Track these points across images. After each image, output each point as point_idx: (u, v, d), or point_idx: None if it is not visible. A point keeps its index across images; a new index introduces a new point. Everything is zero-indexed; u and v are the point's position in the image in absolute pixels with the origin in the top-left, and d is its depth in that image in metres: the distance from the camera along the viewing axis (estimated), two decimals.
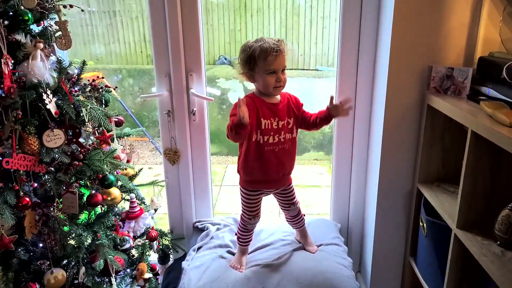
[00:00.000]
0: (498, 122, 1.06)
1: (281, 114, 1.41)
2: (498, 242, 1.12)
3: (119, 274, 1.60)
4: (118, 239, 1.52)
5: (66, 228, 1.39)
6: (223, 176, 3.83)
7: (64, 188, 1.37)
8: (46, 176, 1.35)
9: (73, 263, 1.48)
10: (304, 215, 1.66)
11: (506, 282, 0.98)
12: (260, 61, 1.33)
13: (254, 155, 1.41)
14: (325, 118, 1.43)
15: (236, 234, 1.60)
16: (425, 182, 1.54)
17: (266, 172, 1.44)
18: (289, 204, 1.57)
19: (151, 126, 4.41)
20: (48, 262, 1.38)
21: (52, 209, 1.34)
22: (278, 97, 1.43)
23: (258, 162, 1.42)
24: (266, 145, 1.39)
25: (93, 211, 1.56)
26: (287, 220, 1.67)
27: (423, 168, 1.53)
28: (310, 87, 4.24)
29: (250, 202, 1.52)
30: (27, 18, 1.26)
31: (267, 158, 1.41)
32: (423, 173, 1.54)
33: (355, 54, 1.66)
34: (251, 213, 1.53)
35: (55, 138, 1.32)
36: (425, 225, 1.45)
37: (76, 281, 1.46)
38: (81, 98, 1.39)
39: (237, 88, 4.29)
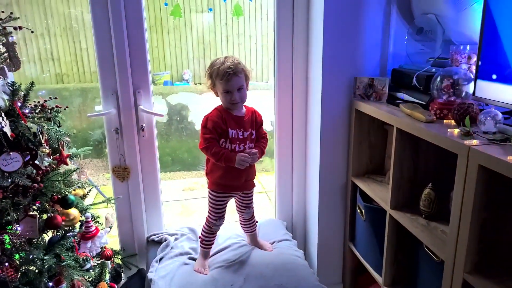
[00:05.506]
0: (416, 120, 1.35)
1: (246, 125, 1.56)
2: (423, 216, 1.41)
3: None
4: (80, 259, 1.49)
5: (23, 254, 1.34)
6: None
7: (23, 212, 1.33)
8: (3, 202, 1.29)
9: None
10: (257, 222, 1.81)
11: (434, 243, 1.26)
12: (217, 81, 1.49)
13: None
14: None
15: (199, 237, 1.68)
16: (357, 175, 1.81)
17: (234, 178, 1.57)
18: (245, 207, 1.72)
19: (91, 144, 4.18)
20: None
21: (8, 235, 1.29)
22: (244, 110, 1.58)
23: (226, 168, 1.54)
24: (233, 153, 1.52)
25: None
26: (240, 223, 1.80)
27: (355, 164, 1.80)
28: None
29: (218, 204, 1.63)
30: None
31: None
32: (355, 168, 1.81)
33: (290, 70, 1.89)
34: (217, 214, 1.64)
35: (12, 161, 1.28)
36: (363, 211, 1.71)
37: None
38: (35, 119, 1.37)
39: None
